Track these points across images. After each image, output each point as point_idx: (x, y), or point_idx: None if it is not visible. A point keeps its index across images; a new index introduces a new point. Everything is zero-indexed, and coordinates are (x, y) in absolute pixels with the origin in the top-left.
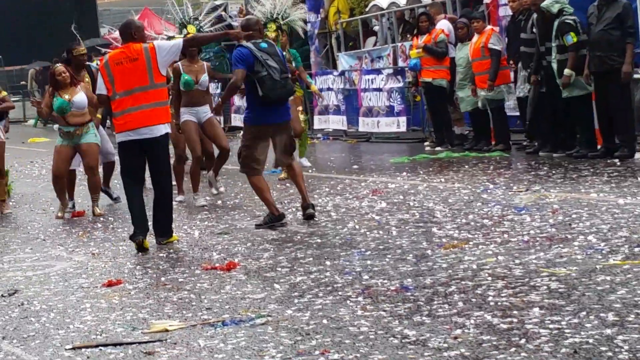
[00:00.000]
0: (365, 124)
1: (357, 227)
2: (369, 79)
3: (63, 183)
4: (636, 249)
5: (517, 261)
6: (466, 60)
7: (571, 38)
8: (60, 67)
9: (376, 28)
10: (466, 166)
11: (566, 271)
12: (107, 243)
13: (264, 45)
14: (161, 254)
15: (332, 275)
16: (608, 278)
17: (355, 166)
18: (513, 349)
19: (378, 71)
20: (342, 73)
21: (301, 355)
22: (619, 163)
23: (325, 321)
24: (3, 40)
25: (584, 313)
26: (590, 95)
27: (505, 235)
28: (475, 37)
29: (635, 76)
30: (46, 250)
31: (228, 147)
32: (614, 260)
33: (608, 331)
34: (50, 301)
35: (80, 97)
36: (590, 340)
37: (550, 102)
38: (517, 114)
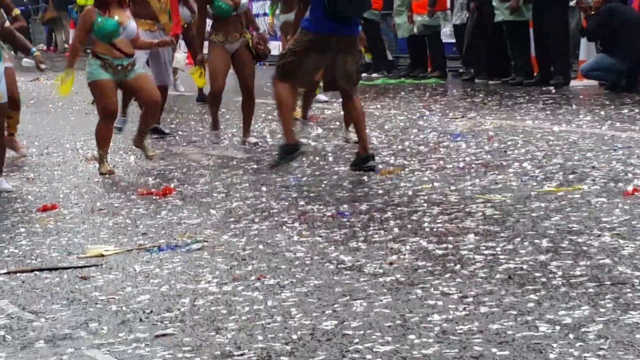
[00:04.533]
0: None
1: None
2: None
3: (112, 127)
4: (570, 176)
5: (452, 187)
6: None
7: None
8: None
9: None
10: (402, 93)
11: (501, 198)
12: (42, 167)
13: None
14: (96, 179)
15: (268, 201)
16: (542, 205)
17: None
18: (448, 275)
19: None
20: None
21: (237, 281)
22: (554, 90)
23: (261, 247)
24: None
25: (519, 239)
26: (526, 22)
27: (441, 162)
28: None
29: (571, 4)
30: None
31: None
32: (548, 187)
33: (542, 257)
34: None
35: (132, 22)
36: (525, 266)
37: (485, 29)
38: (454, 41)
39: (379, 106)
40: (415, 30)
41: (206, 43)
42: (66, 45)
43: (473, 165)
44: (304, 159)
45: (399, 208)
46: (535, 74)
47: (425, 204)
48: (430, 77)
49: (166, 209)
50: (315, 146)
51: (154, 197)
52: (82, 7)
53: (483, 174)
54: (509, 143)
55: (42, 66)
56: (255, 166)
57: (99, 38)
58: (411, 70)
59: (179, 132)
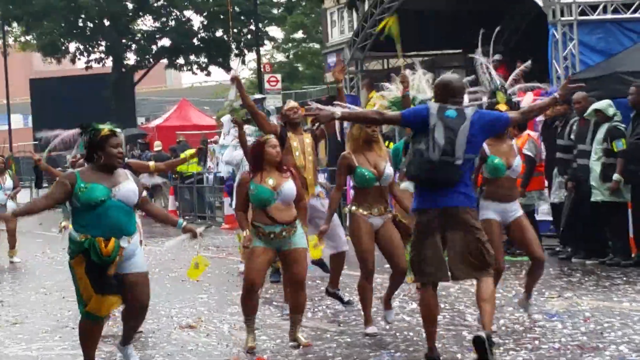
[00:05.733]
0: None
1: (387, 327)
2: None
3: (257, 298)
4: None
5: None
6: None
7: (622, 144)
8: (273, 139)
9: None
10: None
11: None
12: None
13: (451, 113)
14: (190, 347)
15: None
16: None
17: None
18: None
19: None
20: None
21: None
22: None
23: None
24: (42, 126)
25: None
26: (625, 203)
27: (536, 342)
28: (514, 141)
29: None
30: (75, 339)
31: (541, 256)
32: None
33: None
34: None
35: (289, 184)
36: None
37: (583, 208)
38: (550, 218)
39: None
40: None
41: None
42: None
43: (569, 346)
44: (397, 334)
45: None
46: (633, 255)
47: None
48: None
49: None
50: (409, 321)
51: None
52: (181, 173)
53: (579, 355)
54: (606, 325)
55: (199, 230)
56: (348, 340)
57: (254, 205)
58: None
59: (274, 302)
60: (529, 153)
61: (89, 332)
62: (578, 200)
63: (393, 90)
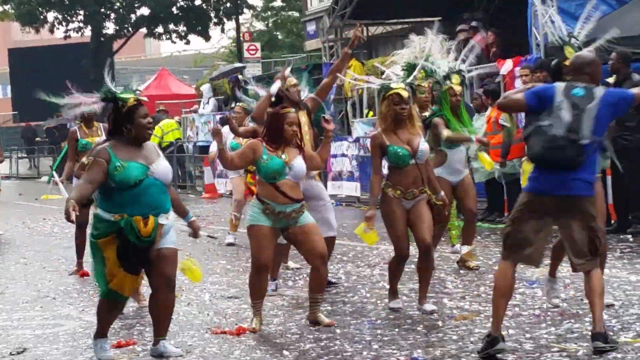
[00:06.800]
0: None
1: (368, 295)
2: None
3: (267, 281)
4: None
5: (527, 335)
6: (482, 131)
7: None
8: (291, 114)
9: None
10: (478, 237)
11: (577, 347)
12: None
13: (578, 92)
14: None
15: (342, 344)
16: (619, 356)
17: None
18: None
19: None
20: (357, 140)
21: None
22: (631, 239)
23: None
24: (19, 96)
25: None
26: (604, 171)
27: (517, 309)
28: (489, 110)
29: None
30: (56, 309)
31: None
32: (625, 337)
33: None
34: None
35: (300, 161)
36: None
37: None
38: None
39: (453, 250)
40: (495, 174)
41: None
42: None
43: (549, 313)
44: (378, 301)
45: (473, 355)
46: (612, 222)
47: (499, 352)
48: None
49: (239, 348)
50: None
51: (228, 337)
52: (159, 143)
53: (559, 322)
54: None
55: (202, 233)
56: (329, 308)
57: (262, 177)
58: (488, 214)
59: None
60: (506, 124)
61: (109, 310)
62: None
63: (406, 54)
